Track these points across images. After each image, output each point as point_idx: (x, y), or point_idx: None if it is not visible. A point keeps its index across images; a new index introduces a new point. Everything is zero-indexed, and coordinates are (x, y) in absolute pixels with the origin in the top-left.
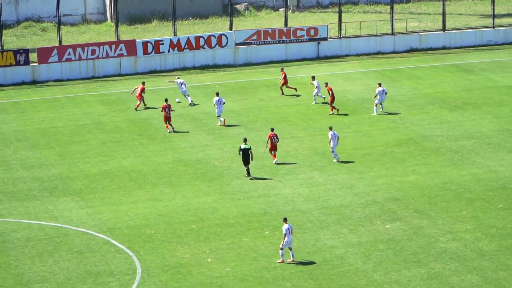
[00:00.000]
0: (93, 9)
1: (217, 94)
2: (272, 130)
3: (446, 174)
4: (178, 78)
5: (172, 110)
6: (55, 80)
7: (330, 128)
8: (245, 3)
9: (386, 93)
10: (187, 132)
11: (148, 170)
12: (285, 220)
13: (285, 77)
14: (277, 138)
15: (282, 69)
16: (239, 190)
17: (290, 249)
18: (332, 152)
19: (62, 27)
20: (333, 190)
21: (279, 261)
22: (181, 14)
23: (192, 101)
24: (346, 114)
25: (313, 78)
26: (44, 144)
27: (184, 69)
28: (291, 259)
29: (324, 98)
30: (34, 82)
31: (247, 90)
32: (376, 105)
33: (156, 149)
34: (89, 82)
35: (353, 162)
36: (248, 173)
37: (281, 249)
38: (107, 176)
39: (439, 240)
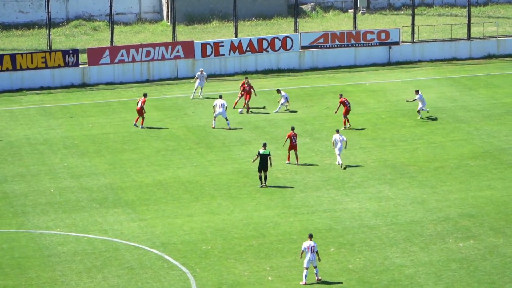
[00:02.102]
0: (148, 7)
1: (220, 97)
2: (293, 129)
3: None
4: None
5: (143, 108)
6: (107, 83)
7: (337, 131)
8: (312, 3)
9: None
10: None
11: (206, 181)
12: (310, 236)
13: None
14: (296, 137)
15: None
16: (303, 204)
17: (315, 267)
18: (338, 155)
19: (114, 26)
20: (403, 205)
21: (302, 283)
22: (243, 14)
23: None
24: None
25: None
26: (93, 152)
27: (245, 73)
28: (316, 277)
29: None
30: (83, 85)
31: (312, 97)
32: (419, 111)
33: (215, 159)
34: (143, 86)
35: (425, 175)
36: (262, 181)
37: (306, 268)
38: (161, 187)
39: None
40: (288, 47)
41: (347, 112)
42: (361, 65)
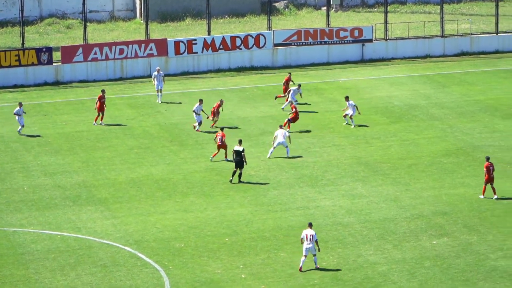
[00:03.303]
0: (121, 5)
1: (200, 102)
2: (281, 127)
3: (498, 186)
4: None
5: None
6: (80, 81)
7: (280, 127)
8: (285, 1)
9: (355, 106)
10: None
11: (179, 179)
12: (309, 225)
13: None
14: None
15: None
16: (276, 202)
17: (314, 255)
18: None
19: (88, 24)
20: (377, 202)
21: (299, 268)
22: (216, 12)
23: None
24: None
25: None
26: (67, 150)
27: (218, 71)
28: (315, 266)
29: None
30: (57, 83)
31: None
32: (351, 117)
33: (188, 157)
34: (117, 84)
35: (399, 173)
36: (232, 176)
37: (304, 256)
38: (134, 185)
39: (489, 258)
40: (261, 45)
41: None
42: (334, 63)
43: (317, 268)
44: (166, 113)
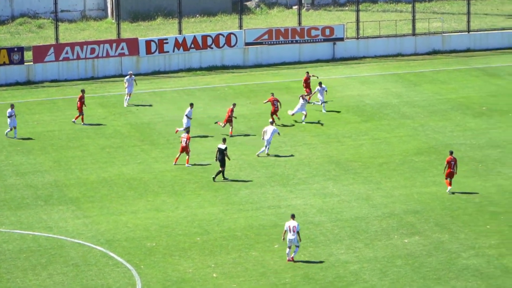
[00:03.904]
0: (93, 5)
1: (191, 106)
2: (271, 123)
3: (469, 185)
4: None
5: (83, 103)
6: (52, 81)
7: (271, 123)
8: (256, 0)
9: (326, 91)
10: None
11: (150, 178)
12: (292, 216)
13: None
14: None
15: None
16: (247, 201)
17: (296, 246)
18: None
19: (59, 24)
20: (348, 201)
21: (287, 259)
22: (188, 11)
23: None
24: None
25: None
26: (38, 149)
27: (189, 70)
28: (292, 255)
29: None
30: (28, 83)
31: (257, 93)
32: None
33: (159, 156)
34: (88, 83)
35: (370, 171)
36: (216, 175)
37: (288, 247)
38: (105, 184)
39: (461, 256)
40: (232, 44)
41: (274, 111)
42: (306, 61)
43: (291, 259)
44: (138, 113)
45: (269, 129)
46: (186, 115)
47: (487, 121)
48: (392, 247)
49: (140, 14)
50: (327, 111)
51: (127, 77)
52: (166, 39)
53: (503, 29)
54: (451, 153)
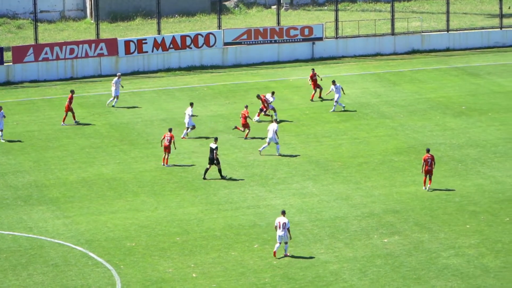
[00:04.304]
0: (72, 5)
1: (191, 105)
2: (275, 121)
3: (449, 185)
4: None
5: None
6: (31, 81)
7: (275, 121)
8: (235, 0)
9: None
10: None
11: (129, 178)
12: (282, 213)
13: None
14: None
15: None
16: (227, 201)
17: (285, 243)
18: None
19: (38, 24)
20: (328, 201)
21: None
22: (166, 12)
23: (114, 104)
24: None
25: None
26: (18, 150)
27: (168, 70)
28: (285, 253)
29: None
30: (8, 83)
31: (236, 93)
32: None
33: (138, 156)
34: (67, 84)
35: (349, 171)
36: (205, 174)
37: (279, 242)
38: (85, 184)
39: (441, 256)
40: (211, 44)
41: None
42: (285, 61)
43: (285, 256)
44: (117, 113)
45: (271, 127)
46: (189, 115)
47: (467, 120)
48: (371, 247)
49: (119, 14)
50: (336, 111)
51: (116, 78)
52: (145, 39)
53: (483, 28)
54: (428, 150)
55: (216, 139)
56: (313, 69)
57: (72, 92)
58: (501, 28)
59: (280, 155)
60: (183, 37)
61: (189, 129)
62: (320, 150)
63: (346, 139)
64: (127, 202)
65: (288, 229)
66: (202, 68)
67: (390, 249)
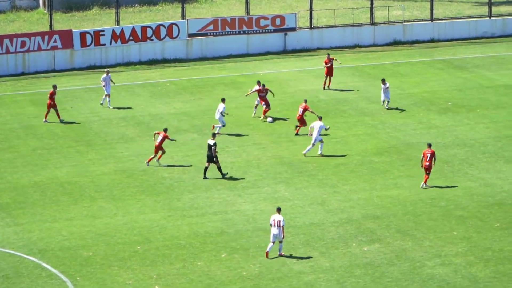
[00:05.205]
0: None
1: (223, 101)
2: (320, 118)
3: (434, 188)
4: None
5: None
6: None
7: (320, 118)
8: None
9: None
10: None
11: (86, 182)
12: (278, 210)
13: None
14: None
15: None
16: (192, 206)
17: (280, 242)
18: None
19: None
20: (302, 206)
21: (266, 251)
22: (126, 0)
23: (102, 102)
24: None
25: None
26: None
27: (128, 64)
28: (279, 252)
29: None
30: None
31: (202, 89)
32: (387, 101)
33: (95, 158)
34: (18, 79)
35: (325, 173)
36: (204, 173)
37: (272, 242)
38: (38, 189)
39: (426, 265)
40: (174, 35)
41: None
42: (254, 54)
43: (280, 255)
44: (72, 111)
45: (316, 125)
46: (220, 112)
47: (453, 117)
48: (350, 256)
49: (74, 3)
50: (389, 108)
51: (104, 75)
52: (103, 30)
53: (470, 17)
54: (429, 145)
55: (214, 135)
56: (328, 54)
57: (54, 87)
58: (490, 17)
59: (322, 155)
60: (144, 28)
61: (218, 128)
62: (293, 151)
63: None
64: (83, 208)
65: (282, 227)
66: (165, 61)
67: (370, 258)
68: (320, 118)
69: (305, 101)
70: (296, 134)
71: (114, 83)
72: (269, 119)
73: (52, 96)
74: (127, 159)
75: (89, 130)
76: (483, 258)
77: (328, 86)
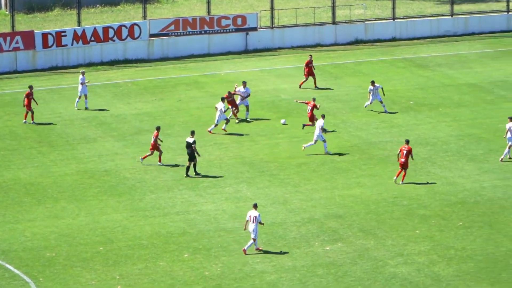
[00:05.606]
0: None
1: (222, 100)
2: (323, 116)
3: (397, 187)
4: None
5: (32, 98)
6: None
7: (323, 116)
8: None
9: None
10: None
11: (48, 182)
12: (254, 206)
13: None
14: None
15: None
16: (154, 206)
17: (254, 239)
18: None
19: None
20: (264, 205)
21: (243, 248)
22: (87, 1)
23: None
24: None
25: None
26: None
27: (90, 64)
28: (256, 248)
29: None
30: None
31: (163, 89)
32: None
33: (58, 159)
34: None
35: (287, 173)
36: (186, 171)
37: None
38: (0, 190)
39: (388, 264)
40: (135, 36)
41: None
42: (216, 54)
43: (257, 249)
44: (34, 112)
45: (318, 124)
46: (220, 109)
47: (415, 116)
48: (312, 255)
49: (35, 4)
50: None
51: (81, 76)
52: (64, 31)
53: (432, 16)
54: (407, 142)
55: (192, 133)
56: (30, 86)
57: (30, 87)
58: (451, 15)
59: (328, 153)
60: (106, 29)
61: (224, 124)
62: (255, 150)
63: (283, 138)
64: (46, 209)
65: (259, 222)
66: (126, 62)
67: (333, 257)
68: (323, 117)
69: (314, 99)
70: (304, 126)
71: (88, 82)
72: (283, 120)
73: (28, 96)
74: (89, 159)
75: (51, 131)
76: (446, 256)
77: (315, 85)
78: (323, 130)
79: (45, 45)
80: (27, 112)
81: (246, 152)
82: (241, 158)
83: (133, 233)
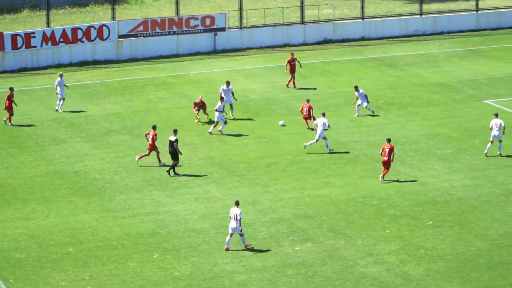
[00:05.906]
0: None
1: (221, 100)
2: (323, 114)
3: (366, 186)
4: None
5: (13, 100)
6: None
7: (323, 114)
8: None
9: (365, 95)
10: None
11: (18, 184)
12: (236, 203)
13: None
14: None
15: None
16: (123, 207)
17: (241, 235)
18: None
19: None
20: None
21: (225, 248)
22: (56, 2)
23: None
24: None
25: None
26: None
27: (59, 66)
28: (244, 245)
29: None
30: None
31: (132, 90)
32: (367, 107)
33: (27, 160)
34: None
35: (256, 173)
36: (173, 170)
37: (230, 234)
38: None
39: (358, 264)
40: (104, 37)
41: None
42: (184, 54)
43: (246, 247)
44: (4, 113)
45: (320, 121)
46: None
47: (385, 116)
48: (282, 255)
49: (4, 5)
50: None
51: (58, 79)
52: (33, 32)
53: (401, 15)
54: (388, 140)
55: (175, 131)
56: (292, 54)
57: (11, 89)
58: (420, 14)
59: (330, 151)
60: (74, 30)
61: (222, 125)
62: (224, 151)
63: (252, 138)
64: (16, 210)
65: (239, 220)
66: (95, 63)
67: (303, 257)
68: (324, 115)
69: (308, 101)
70: (306, 120)
71: (67, 87)
72: (281, 122)
73: (10, 98)
74: (58, 161)
75: (20, 132)
76: (416, 256)
77: (294, 85)
78: (328, 127)
79: (14, 46)
80: (10, 113)
81: (216, 152)
82: (211, 159)
83: (102, 234)
